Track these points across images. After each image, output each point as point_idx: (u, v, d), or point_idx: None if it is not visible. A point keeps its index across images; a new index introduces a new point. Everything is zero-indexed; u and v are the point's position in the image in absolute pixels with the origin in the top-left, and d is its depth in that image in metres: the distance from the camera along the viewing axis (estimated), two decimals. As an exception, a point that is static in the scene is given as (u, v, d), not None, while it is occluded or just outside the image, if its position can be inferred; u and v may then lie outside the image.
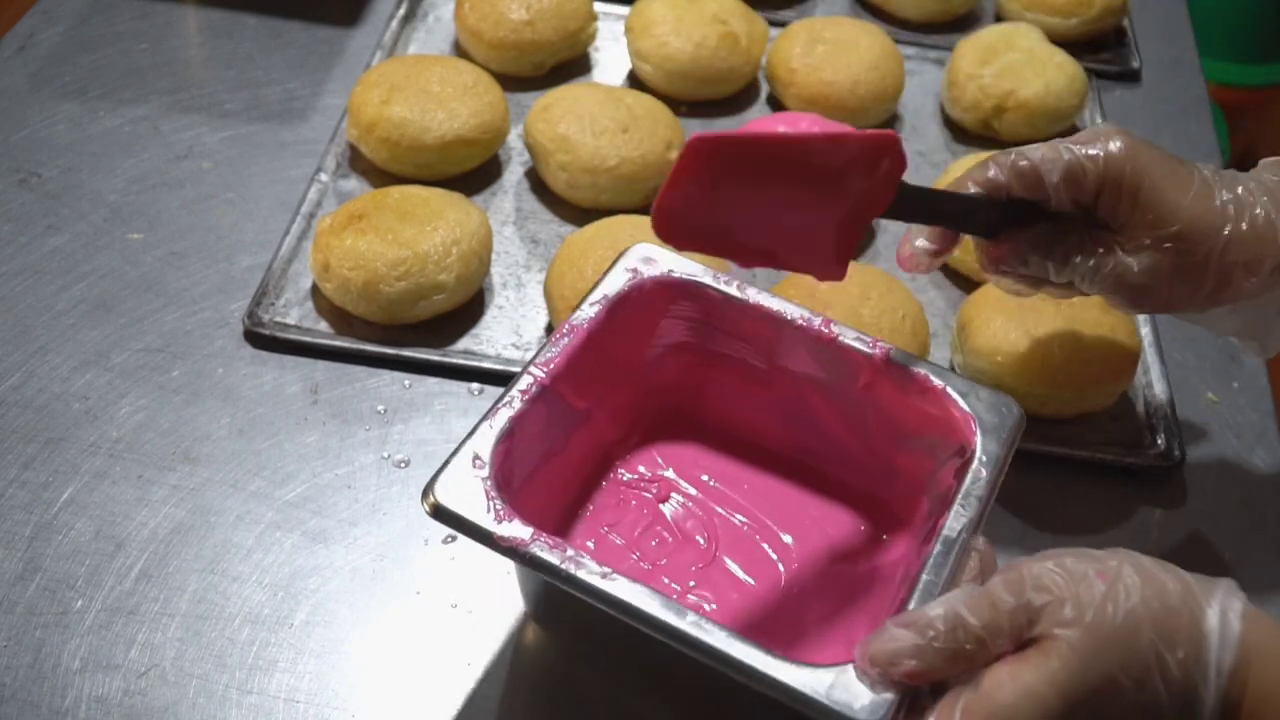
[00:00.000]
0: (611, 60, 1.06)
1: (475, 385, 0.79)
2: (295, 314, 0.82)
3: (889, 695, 0.50)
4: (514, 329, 0.83)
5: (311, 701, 0.64)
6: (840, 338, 0.65)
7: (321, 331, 0.81)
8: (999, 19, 1.13)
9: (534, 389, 0.60)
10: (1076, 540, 0.74)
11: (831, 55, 0.99)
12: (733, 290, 0.67)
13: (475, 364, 0.80)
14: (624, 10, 1.08)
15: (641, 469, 0.70)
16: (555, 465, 0.64)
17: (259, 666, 0.65)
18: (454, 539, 0.71)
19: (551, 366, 0.61)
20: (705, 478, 0.70)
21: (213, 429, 0.76)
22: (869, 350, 0.65)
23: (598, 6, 1.07)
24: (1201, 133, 1.05)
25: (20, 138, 0.94)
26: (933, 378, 0.63)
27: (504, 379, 0.79)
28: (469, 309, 0.83)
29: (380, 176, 0.92)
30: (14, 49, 1.01)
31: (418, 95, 0.90)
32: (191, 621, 0.66)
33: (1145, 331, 0.84)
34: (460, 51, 1.04)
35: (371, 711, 0.64)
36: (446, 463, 0.57)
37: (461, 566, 0.70)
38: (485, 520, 0.55)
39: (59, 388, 0.77)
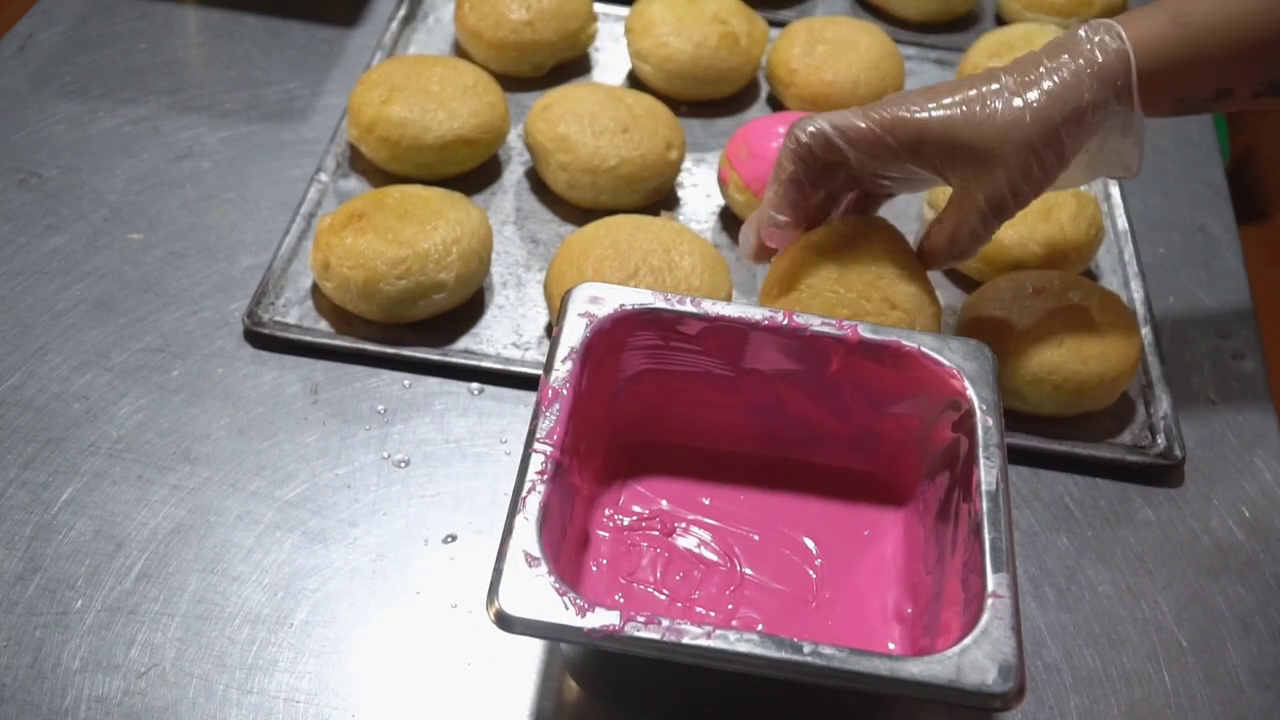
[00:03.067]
0: (611, 60, 1.06)
1: (475, 385, 0.79)
2: (295, 313, 0.82)
3: (1012, 660, 0.52)
4: (514, 328, 0.83)
5: (311, 701, 0.64)
6: (808, 327, 0.65)
7: (321, 331, 0.81)
8: (999, 19, 1.13)
9: (549, 467, 0.59)
10: (1077, 540, 0.74)
11: (831, 55, 0.99)
12: (689, 307, 0.66)
13: (475, 363, 0.80)
14: (624, 10, 1.08)
15: (636, 508, 0.68)
16: (572, 536, 0.63)
17: (259, 666, 0.65)
18: (454, 539, 0.71)
19: (555, 438, 0.60)
20: (703, 500, 0.69)
21: (213, 429, 0.76)
22: (838, 333, 0.65)
23: (598, 7, 1.07)
24: (1201, 132, 1.05)
25: (20, 138, 0.94)
26: (904, 342, 0.64)
27: (504, 379, 0.79)
28: (469, 308, 0.84)
29: (380, 176, 0.92)
30: (14, 49, 1.01)
31: (418, 95, 0.90)
32: (191, 621, 0.66)
33: (1145, 331, 0.85)
34: (460, 52, 1.04)
35: (371, 711, 0.64)
36: (498, 570, 0.54)
37: (461, 566, 0.70)
38: (568, 618, 0.53)
39: (59, 388, 0.77)
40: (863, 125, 0.69)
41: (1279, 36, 0.67)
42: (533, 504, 0.57)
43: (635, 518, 0.68)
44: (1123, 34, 0.68)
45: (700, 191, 0.95)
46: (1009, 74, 0.69)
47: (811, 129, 0.70)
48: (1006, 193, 0.69)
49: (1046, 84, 0.67)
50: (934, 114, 0.68)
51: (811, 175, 0.71)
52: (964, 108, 0.68)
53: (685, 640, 0.52)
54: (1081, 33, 0.69)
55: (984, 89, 0.68)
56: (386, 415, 0.77)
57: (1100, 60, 0.67)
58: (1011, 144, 0.67)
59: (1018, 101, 0.67)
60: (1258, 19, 0.67)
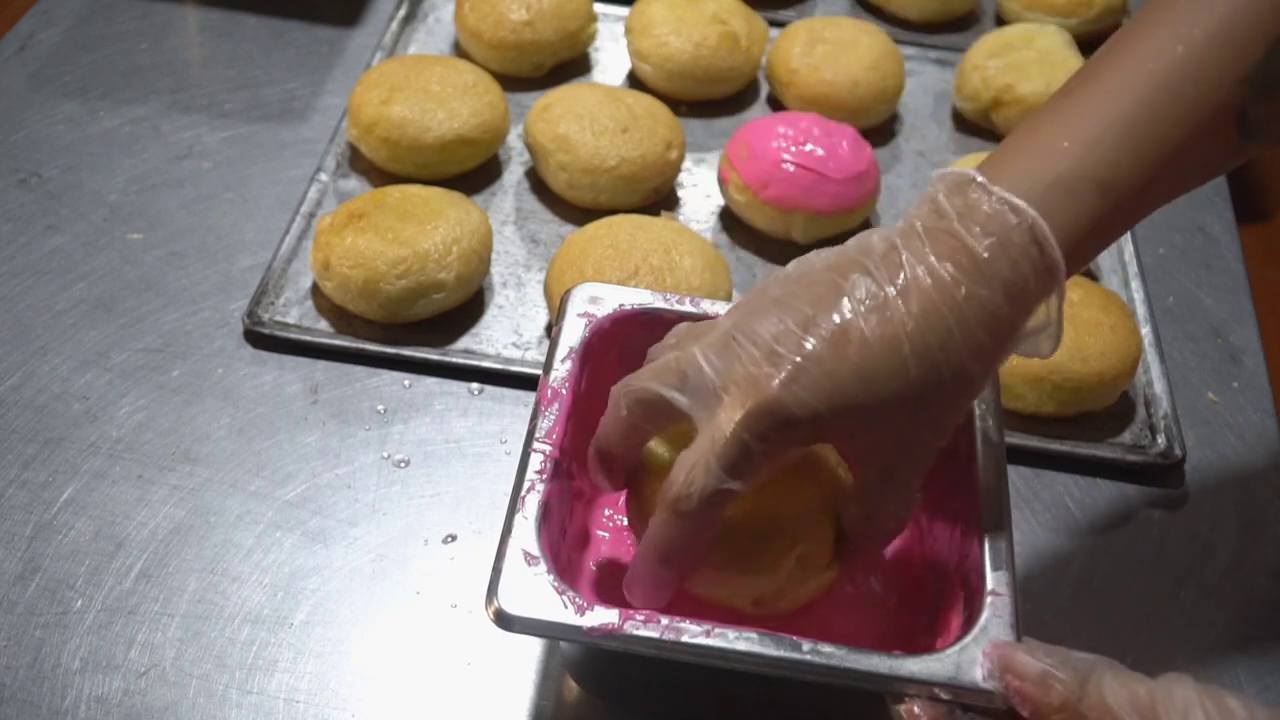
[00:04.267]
0: (611, 60, 1.06)
1: (475, 385, 0.79)
2: (295, 313, 0.82)
3: None
4: (514, 328, 0.83)
5: (311, 701, 0.64)
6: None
7: (321, 331, 0.81)
8: (999, 19, 1.13)
9: (549, 466, 0.58)
10: (1077, 540, 0.74)
11: (831, 55, 0.99)
12: (687, 307, 0.65)
13: (475, 363, 0.80)
14: (624, 10, 1.08)
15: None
16: (571, 536, 0.63)
17: (259, 666, 0.65)
18: (454, 539, 0.71)
19: (554, 438, 0.59)
20: None
21: (213, 429, 0.76)
22: None
23: (598, 7, 1.07)
24: (1201, 133, 1.05)
25: (20, 138, 0.94)
26: None
27: (504, 379, 0.79)
28: (469, 308, 0.83)
29: (380, 176, 0.92)
30: (14, 49, 1.01)
31: (418, 95, 0.90)
32: (191, 621, 0.66)
33: (1145, 331, 0.84)
34: (460, 52, 1.04)
35: (371, 711, 0.64)
36: (497, 569, 0.54)
37: (461, 566, 0.70)
38: (567, 617, 0.52)
39: (59, 388, 0.77)
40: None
41: (1209, 155, 0.56)
42: (532, 503, 0.57)
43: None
44: (1051, 246, 0.52)
45: (700, 191, 0.95)
46: (907, 301, 0.52)
47: (636, 399, 0.56)
48: (915, 452, 0.55)
49: (953, 320, 0.51)
50: (820, 408, 0.51)
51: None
52: (853, 384, 0.51)
53: (684, 639, 0.52)
54: (996, 234, 0.52)
55: (874, 337, 0.51)
56: (386, 415, 0.77)
57: (1021, 282, 0.52)
58: (918, 409, 0.53)
59: (919, 354, 0.51)
60: (1190, 153, 0.55)
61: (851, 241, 0.55)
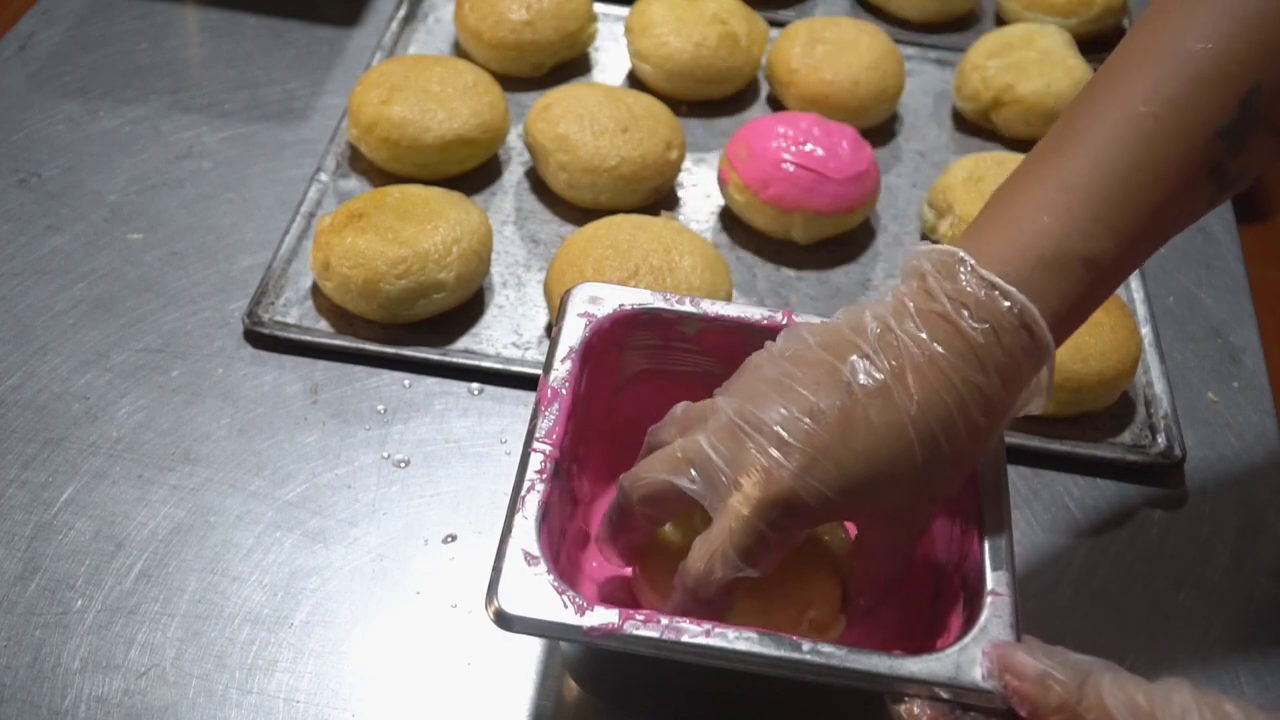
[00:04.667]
0: (611, 60, 1.06)
1: (475, 385, 0.79)
2: (295, 313, 0.82)
3: None
4: (514, 328, 0.83)
5: (311, 701, 0.64)
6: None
7: (321, 331, 0.81)
8: (999, 19, 1.13)
9: (549, 466, 0.58)
10: (1077, 540, 0.74)
11: (831, 55, 0.99)
12: (689, 307, 0.66)
13: (475, 363, 0.80)
14: (624, 10, 1.08)
15: None
16: (571, 536, 0.63)
17: (259, 666, 0.65)
18: (454, 539, 0.71)
19: (554, 438, 0.59)
20: None
21: (213, 429, 0.76)
22: None
23: (598, 7, 1.07)
24: (1201, 133, 1.05)
25: (20, 138, 0.94)
26: None
27: (504, 378, 0.79)
28: (469, 308, 0.83)
29: (380, 176, 0.92)
30: (14, 49, 1.01)
31: (418, 95, 0.90)
32: (191, 621, 0.66)
33: (1145, 331, 0.84)
34: (460, 52, 1.04)
35: (371, 711, 0.64)
36: (497, 569, 0.54)
37: (461, 566, 0.70)
38: (567, 617, 0.53)
39: (59, 388, 0.77)
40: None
41: (1185, 213, 0.56)
42: (532, 503, 0.57)
43: None
44: (1043, 330, 0.53)
45: (700, 191, 0.95)
46: (909, 393, 0.53)
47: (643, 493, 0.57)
48: (918, 528, 0.58)
49: (956, 414, 0.53)
50: (828, 494, 0.53)
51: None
52: (861, 469, 0.53)
53: (684, 638, 0.52)
54: (993, 322, 0.53)
55: (880, 424, 0.53)
56: (386, 415, 0.77)
57: (1015, 367, 0.54)
58: (921, 498, 0.55)
59: (923, 442, 0.53)
60: (1169, 213, 0.55)
61: (841, 318, 0.56)
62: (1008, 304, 0.53)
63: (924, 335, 0.53)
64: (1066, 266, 0.54)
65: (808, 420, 0.53)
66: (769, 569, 0.54)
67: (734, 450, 0.54)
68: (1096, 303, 0.56)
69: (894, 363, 0.53)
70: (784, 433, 0.53)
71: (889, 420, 0.52)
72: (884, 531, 0.57)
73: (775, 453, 0.53)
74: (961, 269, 0.54)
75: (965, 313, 0.53)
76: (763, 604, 0.58)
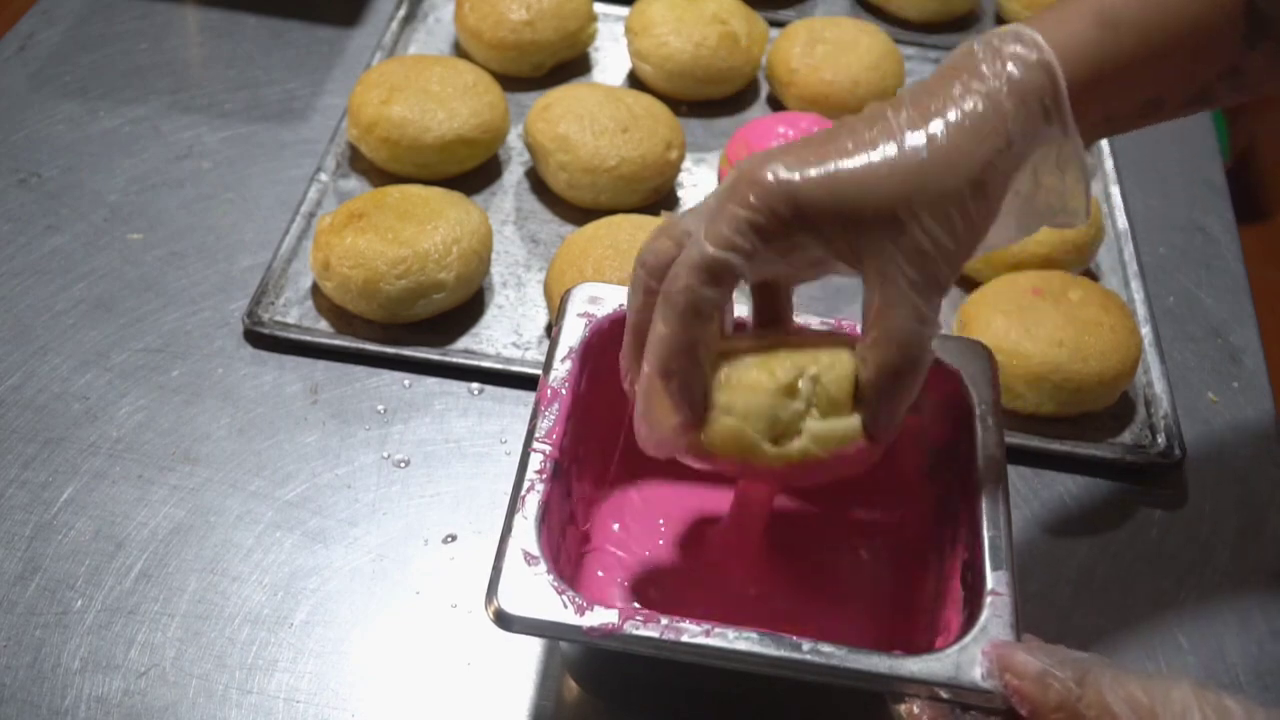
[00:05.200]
0: (611, 60, 1.06)
1: (475, 385, 0.79)
2: (295, 313, 0.82)
3: None
4: (514, 328, 0.83)
5: (311, 701, 0.64)
6: (808, 327, 0.65)
7: (321, 331, 0.81)
8: (999, 19, 1.13)
9: (548, 466, 0.58)
10: (1077, 540, 0.74)
11: (831, 55, 0.99)
12: None
13: (475, 363, 0.80)
14: (624, 10, 1.08)
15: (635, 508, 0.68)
16: (571, 536, 0.63)
17: (259, 666, 0.65)
18: (454, 539, 0.71)
19: (554, 438, 0.59)
20: (702, 498, 0.68)
21: (213, 429, 0.76)
22: (838, 332, 0.64)
23: (598, 7, 1.07)
24: (1201, 132, 1.05)
25: (20, 138, 0.94)
26: None
27: (504, 378, 0.79)
28: (469, 308, 0.84)
29: (380, 176, 0.92)
30: (14, 49, 1.01)
31: (418, 95, 0.90)
32: (191, 621, 0.66)
33: (1145, 331, 0.84)
34: (460, 52, 1.04)
35: (371, 711, 0.64)
36: (497, 569, 0.54)
37: (461, 566, 0.70)
38: (567, 617, 0.52)
39: (59, 388, 0.77)
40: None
41: (1217, 31, 0.56)
42: (532, 503, 0.57)
43: (635, 517, 0.68)
44: (1040, 41, 0.54)
45: (700, 191, 0.95)
46: (902, 108, 0.54)
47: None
48: (930, 258, 0.53)
49: (952, 114, 0.53)
50: (808, 174, 0.52)
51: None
52: (845, 161, 0.53)
53: (684, 638, 0.52)
54: (989, 44, 0.55)
55: (870, 133, 0.53)
56: (386, 415, 0.77)
57: (1018, 76, 0.54)
58: (920, 197, 0.52)
59: (917, 139, 0.53)
60: (1196, 11, 0.56)
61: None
62: (1008, 30, 0.56)
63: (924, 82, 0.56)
64: (1080, 13, 0.56)
65: (799, 143, 0.54)
66: (749, 259, 0.53)
67: (726, 188, 0.54)
68: (1107, 68, 0.55)
69: (918, 104, 0.54)
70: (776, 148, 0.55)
71: (883, 129, 0.53)
72: (892, 281, 0.53)
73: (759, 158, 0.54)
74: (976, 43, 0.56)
75: (975, 47, 0.56)
76: (765, 352, 0.56)
